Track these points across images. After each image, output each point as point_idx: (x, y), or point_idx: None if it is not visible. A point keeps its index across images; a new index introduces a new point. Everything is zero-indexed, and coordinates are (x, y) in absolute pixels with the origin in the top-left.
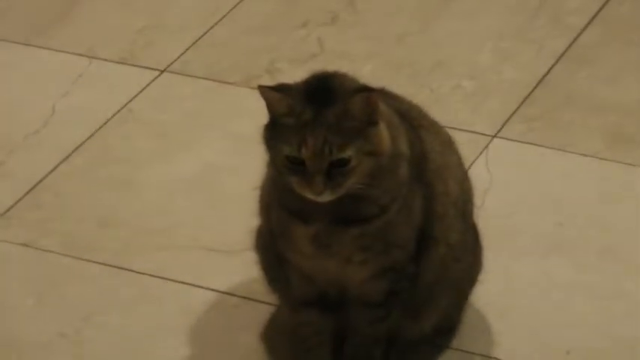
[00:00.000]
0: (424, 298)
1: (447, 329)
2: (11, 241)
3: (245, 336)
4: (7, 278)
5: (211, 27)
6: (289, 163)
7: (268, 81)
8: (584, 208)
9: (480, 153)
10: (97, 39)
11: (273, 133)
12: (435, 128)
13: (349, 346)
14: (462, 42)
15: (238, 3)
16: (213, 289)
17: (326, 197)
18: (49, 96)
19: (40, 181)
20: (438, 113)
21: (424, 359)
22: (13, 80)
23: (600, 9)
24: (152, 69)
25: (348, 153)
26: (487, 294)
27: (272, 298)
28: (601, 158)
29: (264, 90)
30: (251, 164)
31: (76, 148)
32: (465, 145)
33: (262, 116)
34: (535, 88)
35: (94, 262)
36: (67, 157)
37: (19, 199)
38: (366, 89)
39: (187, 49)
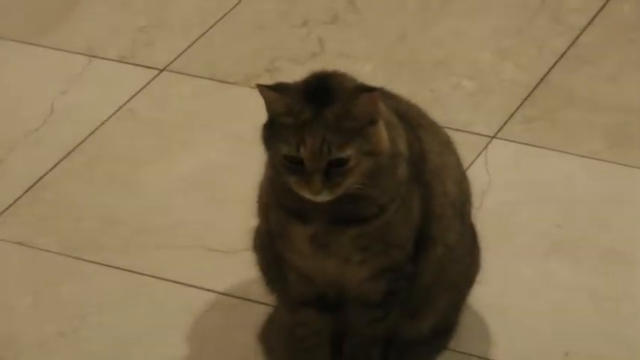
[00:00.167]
0: (422, 298)
1: (444, 330)
2: (9, 240)
3: (243, 336)
4: (5, 277)
5: (211, 26)
6: (288, 163)
7: (268, 80)
8: (584, 209)
9: (480, 153)
10: (97, 38)
11: (272, 133)
12: (434, 128)
13: (347, 346)
14: (463, 42)
15: (238, 2)
16: (211, 290)
17: (324, 197)
18: (49, 94)
19: (39, 179)
20: (438, 113)
21: None
22: (13, 78)
23: (601, 9)
24: (152, 68)
25: (347, 153)
26: (485, 295)
27: (270, 299)
28: (601, 159)
29: (262, 89)
30: (251, 164)
31: (76, 147)
32: (465, 146)
33: (262, 116)
34: (535, 88)
35: (91, 261)
36: (67, 155)
37: (18, 198)
38: (366, 89)
39: (187, 48)
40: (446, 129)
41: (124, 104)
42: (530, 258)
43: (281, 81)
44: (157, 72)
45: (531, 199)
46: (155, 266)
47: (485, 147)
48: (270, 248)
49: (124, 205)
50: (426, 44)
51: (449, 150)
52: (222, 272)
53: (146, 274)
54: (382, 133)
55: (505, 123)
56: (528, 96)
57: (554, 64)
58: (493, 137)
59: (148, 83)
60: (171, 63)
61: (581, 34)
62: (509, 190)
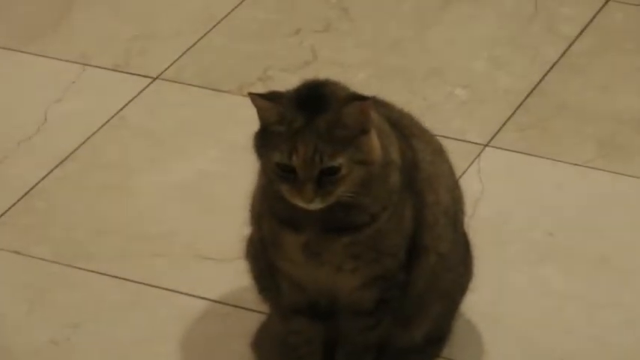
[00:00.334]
0: (415, 306)
1: (437, 338)
2: (3, 248)
3: (236, 344)
4: None
5: (204, 34)
6: (280, 171)
7: (261, 89)
8: (576, 217)
9: (472, 162)
10: (91, 46)
11: (264, 141)
12: (427, 137)
13: (340, 354)
14: (456, 50)
15: (231, 11)
16: (204, 297)
17: (316, 205)
18: (42, 103)
19: (32, 187)
20: (431, 121)
21: None
22: (7, 87)
23: (593, 17)
24: (145, 76)
25: (339, 161)
26: (478, 303)
27: (263, 307)
28: (593, 167)
29: (254, 97)
30: (244, 172)
31: (69, 155)
32: (457, 154)
33: (255, 124)
34: (528, 96)
35: (85, 269)
36: (60, 163)
37: (11, 206)
38: (358, 97)
39: (180, 57)
40: (439, 137)
41: (117, 112)
42: (522, 266)
43: (273, 89)
44: (150, 80)
45: (524, 207)
46: (148, 274)
47: (478, 155)
48: (262, 256)
49: (117, 213)
50: (419, 53)
51: (441, 158)
52: (216, 280)
53: (139, 282)
54: (374, 142)
55: (498, 131)
56: (521, 104)
57: (547, 73)
58: (486, 145)
59: (141, 92)
60: (164, 71)
61: (573, 43)
62: (501, 198)
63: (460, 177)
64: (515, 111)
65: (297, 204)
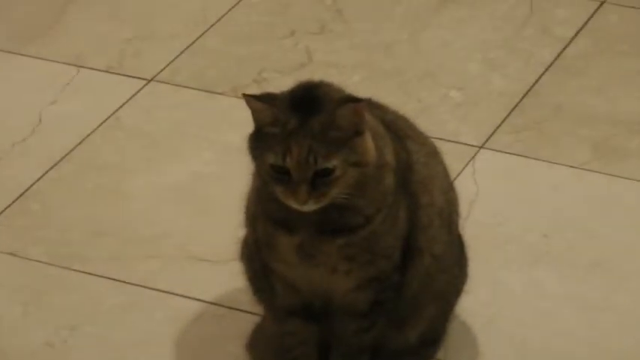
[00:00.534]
0: (409, 308)
1: (432, 340)
2: None
3: (231, 346)
4: None
5: (199, 36)
6: (274, 173)
7: (256, 91)
8: (571, 220)
9: (467, 164)
10: (85, 48)
11: (258, 142)
12: (421, 139)
13: (334, 356)
14: (451, 52)
15: (226, 13)
16: (199, 299)
17: (310, 207)
18: (37, 104)
19: (27, 189)
20: (426, 123)
21: None
22: (1, 88)
23: (588, 19)
24: (140, 78)
25: (333, 163)
26: (473, 305)
27: (258, 308)
28: (588, 169)
29: (249, 99)
30: (238, 174)
31: (64, 157)
32: (452, 156)
33: (249, 126)
34: (523, 98)
35: (80, 271)
36: (55, 165)
37: (6, 208)
38: (352, 99)
39: (175, 59)
40: (433, 139)
41: (112, 114)
42: (517, 268)
43: (268, 91)
44: (144, 82)
45: (519, 209)
46: (144, 276)
47: (473, 157)
48: (257, 258)
49: (112, 215)
50: (413, 54)
51: (436, 160)
52: (211, 282)
53: (135, 284)
54: (368, 143)
55: (493, 133)
56: (516, 106)
57: (542, 75)
58: (481, 147)
59: (136, 93)
60: (158, 73)
61: (568, 45)
62: (496, 200)
63: (455, 179)
64: (510, 113)
65: (291, 205)
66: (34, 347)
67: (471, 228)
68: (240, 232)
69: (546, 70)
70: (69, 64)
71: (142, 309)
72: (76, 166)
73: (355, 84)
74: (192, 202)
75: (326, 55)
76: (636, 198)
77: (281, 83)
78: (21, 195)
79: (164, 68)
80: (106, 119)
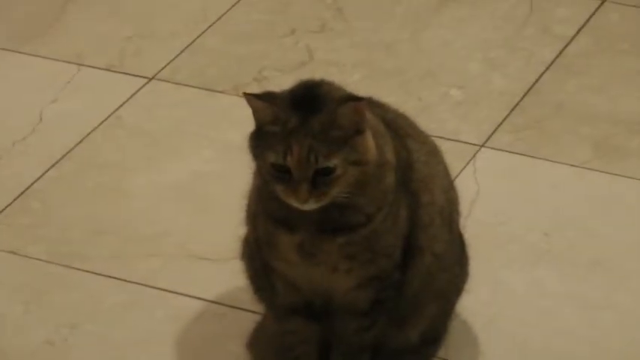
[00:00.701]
0: (410, 307)
1: (433, 339)
2: None
3: (232, 345)
4: None
5: (200, 35)
6: (275, 171)
7: (257, 89)
8: (572, 219)
9: (468, 162)
10: (86, 46)
11: (259, 141)
12: (422, 137)
13: (335, 354)
14: (451, 51)
15: (227, 11)
16: (200, 298)
17: (311, 206)
18: (37, 103)
19: (28, 188)
20: (426, 122)
21: None
22: (2, 87)
23: (589, 18)
24: (140, 76)
25: (334, 162)
26: (474, 304)
27: (259, 307)
28: (589, 168)
29: (249, 98)
30: (239, 172)
31: (64, 155)
32: (453, 155)
33: (250, 124)
34: (524, 97)
35: (81, 269)
36: (55, 164)
37: (7, 206)
38: (353, 98)
39: (176, 57)
40: (434, 138)
41: (113, 113)
42: (518, 267)
43: (268, 90)
44: (145, 81)
45: (519, 208)
46: (144, 274)
47: (474, 156)
48: (257, 256)
49: (112, 213)
50: (414, 53)
51: (437, 159)
52: (211, 280)
53: (136, 283)
54: (369, 142)
55: (493, 132)
56: (516, 105)
57: (543, 74)
58: (481, 146)
59: (137, 92)
60: (159, 72)
61: (569, 44)
62: (497, 199)
63: (456, 178)
64: (510, 112)
65: (291, 204)
66: (34, 346)
67: (472, 227)
68: (241, 230)
69: (547, 69)
70: (69, 63)
71: (142, 307)
72: (77, 165)
73: (356, 83)
74: (193, 200)
75: (326, 53)
76: (637, 197)
77: (281, 82)
78: (21, 193)
79: (165, 67)
80: (107, 118)
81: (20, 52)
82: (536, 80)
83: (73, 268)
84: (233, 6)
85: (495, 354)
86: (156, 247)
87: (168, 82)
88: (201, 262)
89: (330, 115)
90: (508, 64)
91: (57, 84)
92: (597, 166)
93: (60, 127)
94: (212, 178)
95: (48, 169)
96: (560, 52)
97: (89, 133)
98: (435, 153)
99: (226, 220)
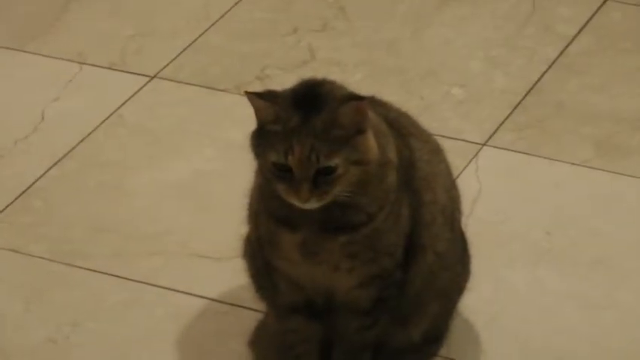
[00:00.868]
0: (412, 306)
1: (435, 337)
2: (0, 247)
3: (234, 343)
4: None
5: (202, 33)
6: (276, 170)
7: (259, 88)
8: (574, 217)
9: (470, 161)
10: (88, 45)
11: (261, 140)
12: (424, 136)
13: (337, 353)
14: (453, 50)
15: (229, 10)
16: (202, 296)
17: (312, 205)
18: (39, 101)
19: (30, 186)
20: (428, 121)
21: None
22: (4, 85)
23: (591, 17)
24: (142, 75)
25: (335, 161)
26: (476, 302)
27: (261, 306)
28: (591, 167)
29: (251, 96)
30: (241, 171)
31: (66, 154)
32: (455, 153)
33: (252, 123)
34: (525, 96)
35: (83, 267)
36: (57, 162)
37: (9, 205)
38: (354, 97)
39: (178, 56)
40: (436, 137)
41: (115, 111)
42: (520, 265)
43: (270, 89)
44: (147, 79)
45: (521, 206)
46: (146, 273)
47: (476, 155)
48: (259, 255)
49: (114, 211)
50: (416, 52)
51: (439, 158)
52: (213, 279)
53: (137, 281)
54: (371, 142)
55: (495, 131)
56: (518, 104)
57: (545, 73)
58: (483, 145)
59: (139, 90)
60: (161, 70)
61: (571, 42)
62: (499, 198)
63: (458, 176)
64: (512, 110)
65: (293, 203)
66: (35, 344)
67: (474, 225)
68: (243, 229)
69: (549, 67)
70: (71, 61)
71: (144, 306)
72: (79, 163)
73: (358, 82)
74: (195, 199)
75: (328, 52)
76: (638, 195)
77: (283, 80)
78: (23, 192)
79: (167, 65)
80: (109, 116)
81: (22, 51)
82: (538, 79)
83: (75, 266)
84: (235, 4)
85: (497, 352)
86: (158, 246)
87: (171, 80)
88: (202, 261)
89: (331, 115)
90: (510, 63)
91: (59, 82)
92: (599, 165)
93: (62, 126)
94: (214, 177)
95: (50, 168)
96: (562, 51)
97: (91, 132)
98: (437, 152)
99: (228, 219)
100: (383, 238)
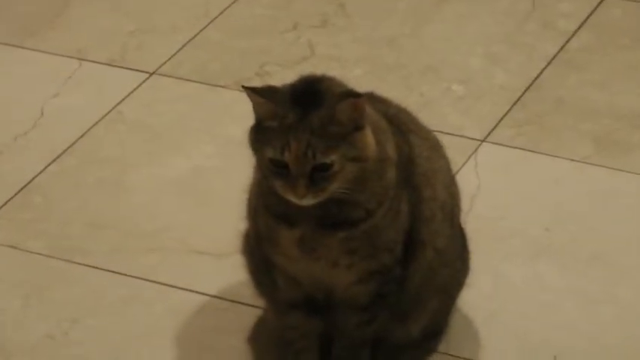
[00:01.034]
0: (412, 301)
1: (434, 333)
2: None
3: (233, 339)
4: None
5: (201, 29)
6: (273, 167)
7: (258, 84)
8: (573, 213)
9: (469, 157)
10: (87, 41)
11: (259, 136)
12: (424, 132)
13: (336, 349)
14: (453, 46)
15: (228, 6)
16: (201, 292)
17: (309, 201)
18: (39, 97)
19: (29, 182)
20: (428, 117)
21: None
22: (3, 82)
23: (591, 13)
24: (142, 71)
25: (332, 158)
26: (475, 298)
27: (260, 302)
28: (591, 163)
29: (249, 92)
30: (240, 167)
31: (65, 150)
32: (454, 149)
33: (252, 119)
34: (525, 92)
35: (82, 264)
36: (56, 158)
37: (8, 201)
38: (352, 94)
39: (177, 52)
40: (436, 133)
41: (114, 107)
42: (519, 261)
43: (270, 84)
44: (146, 75)
45: (520, 202)
46: (145, 269)
47: (475, 151)
48: (258, 251)
49: (113, 208)
50: (415, 49)
51: (438, 154)
52: (213, 275)
53: (136, 277)
54: (368, 138)
55: (495, 127)
56: (518, 100)
57: (544, 69)
58: (483, 141)
59: (138, 86)
60: (161, 66)
61: (570, 39)
62: (498, 194)
63: (457, 172)
64: (512, 107)
65: (290, 199)
66: (35, 340)
67: (473, 221)
68: (242, 225)
69: (548, 64)
70: (71, 58)
71: (143, 302)
72: (78, 160)
73: (357, 78)
74: (194, 195)
75: (328, 48)
76: (637, 191)
77: (283, 77)
78: (23, 188)
79: (166, 61)
80: (108, 112)
81: (22, 47)
82: (538, 75)
83: (74, 262)
84: (235, 1)
85: (496, 348)
86: (157, 242)
87: (170, 76)
88: (201, 257)
89: (328, 111)
90: (509, 59)
91: (58, 79)
92: (598, 161)
93: (61, 122)
94: (213, 173)
95: (49, 164)
96: (562, 48)
97: (90, 128)
98: (436, 148)
99: (227, 215)
100: (382, 234)
